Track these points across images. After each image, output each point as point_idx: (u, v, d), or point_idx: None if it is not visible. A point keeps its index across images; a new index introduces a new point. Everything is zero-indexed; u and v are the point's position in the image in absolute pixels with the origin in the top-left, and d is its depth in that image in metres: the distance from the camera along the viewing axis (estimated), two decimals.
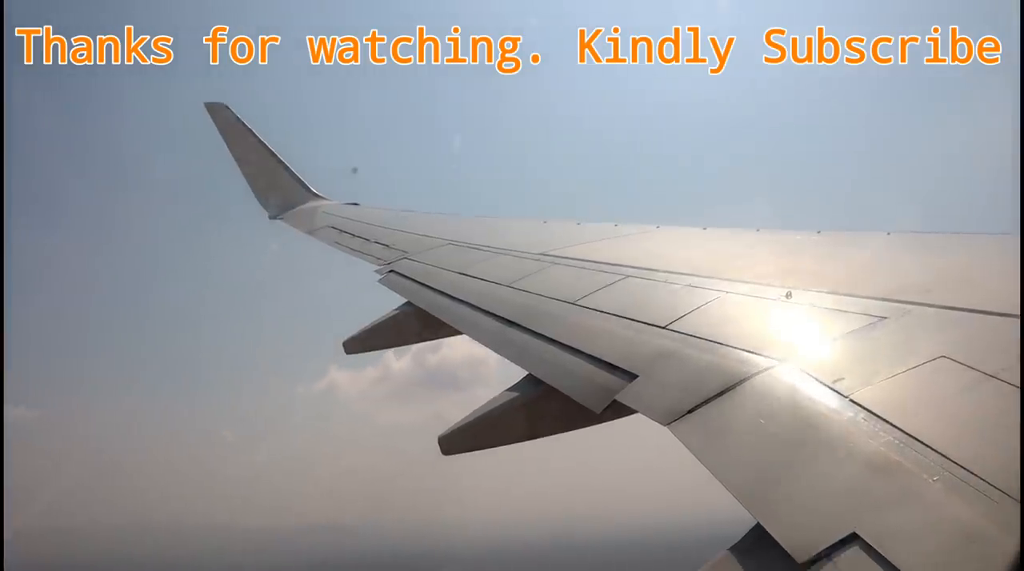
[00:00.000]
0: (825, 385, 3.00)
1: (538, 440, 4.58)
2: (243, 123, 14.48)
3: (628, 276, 5.40)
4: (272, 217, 13.78)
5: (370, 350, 7.47)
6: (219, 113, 14.53)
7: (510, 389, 4.65)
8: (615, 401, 3.71)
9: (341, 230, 10.91)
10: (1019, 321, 2.99)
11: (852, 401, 2.81)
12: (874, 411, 2.69)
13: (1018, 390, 2.49)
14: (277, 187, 14.22)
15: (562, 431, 4.47)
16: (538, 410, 4.46)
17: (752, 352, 3.53)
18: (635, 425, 3.66)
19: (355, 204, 13.07)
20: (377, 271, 8.27)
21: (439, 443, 4.73)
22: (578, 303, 5.10)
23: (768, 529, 2.41)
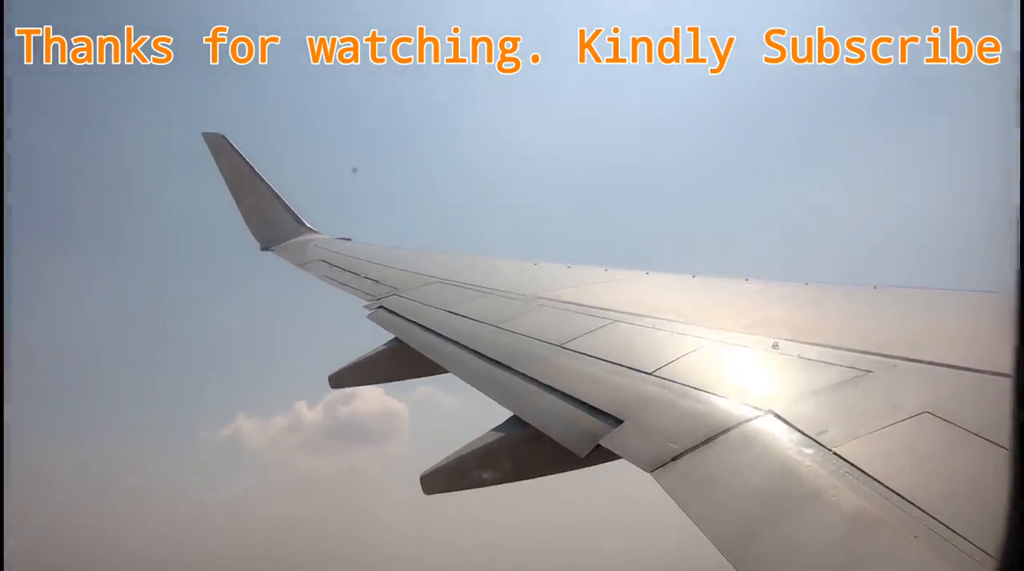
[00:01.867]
0: (809, 437, 2.99)
1: (519, 483, 4.54)
2: (239, 154, 14.58)
3: (616, 321, 5.41)
4: (264, 248, 13.80)
5: (355, 385, 7.44)
6: (216, 143, 14.63)
7: (495, 430, 4.62)
8: (599, 446, 3.69)
9: (332, 264, 10.92)
10: (1001, 378, 3.01)
11: (835, 454, 2.80)
12: (857, 465, 2.69)
13: (1000, 448, 2.49)
14: (270, 219, 14.27)
15: (545, 474, 4.43)
16: (522, 452, 4.42)
17: (738, 402, 3.53)
18: (619, 471, 3.64)
19: (347, 239, 13.12)
20: (366, 306, 8.26)
21: (421, 482, 4.68)
22: (565, 346, 5.10)
23: None
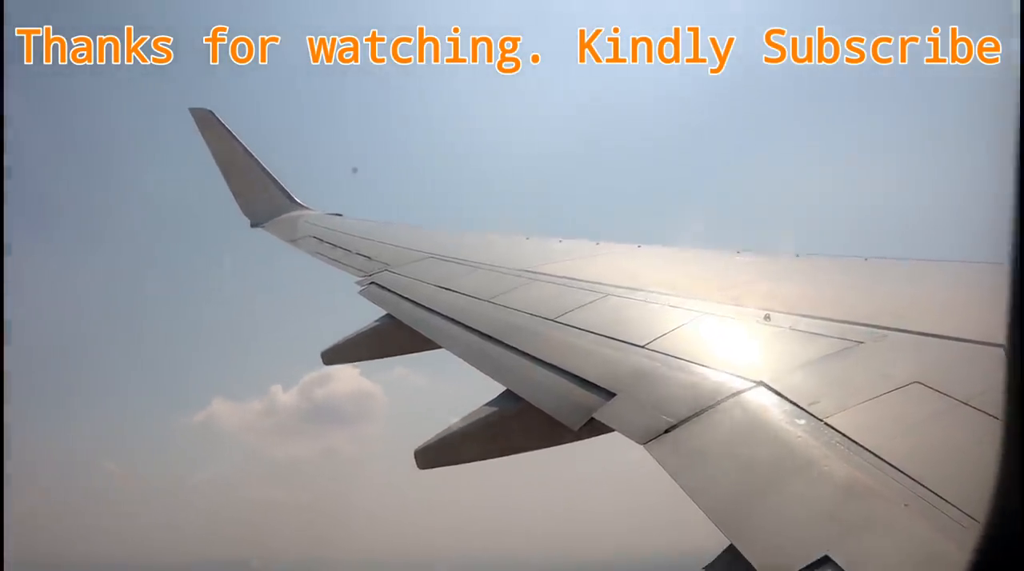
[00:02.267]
0: (801, 408, 3.01)
1: (512, 456, 4.57)
2: (228, 130, 14.39)
3: (608, 294, 5.42)
4: (254, 225, 13.70)
5: (348, 362, 7.43)
6: (204, 119, 14.44)
7: (488, 404, 4.63)
8: (593, 419, 3.71)
9: (323, 240, 10.85)
10: (990, 348, 3.03)
11: (827, 424, 2.83)
12: (848, 435, 2.71)
13: (989, 417, 2.51)
14: (260, 195, 14.14)
15: (538, 448, 4.46)
16: (515, 426, 4.44)
17: (730, 373, 3.54)
18: (612, 444, 3.66)
19: (338, 214, 13.02)
20: (358, 282, 8.24)
21: (415, 457, 4.69)
22: (558, 320, 5.10)
23: (741, 550, 2.41)
